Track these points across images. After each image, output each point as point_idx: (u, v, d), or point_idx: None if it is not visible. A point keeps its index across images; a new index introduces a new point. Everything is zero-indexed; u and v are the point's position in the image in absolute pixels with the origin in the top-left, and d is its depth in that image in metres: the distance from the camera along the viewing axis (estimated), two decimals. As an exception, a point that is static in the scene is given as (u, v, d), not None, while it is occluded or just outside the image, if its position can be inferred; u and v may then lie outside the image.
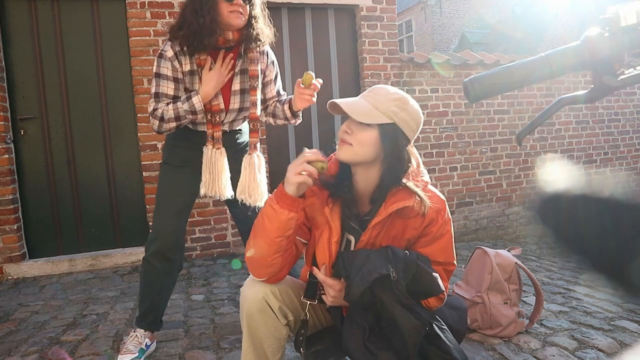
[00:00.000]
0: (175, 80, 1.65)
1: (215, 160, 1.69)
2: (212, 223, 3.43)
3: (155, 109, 1.63)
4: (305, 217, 1.19)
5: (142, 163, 3.26)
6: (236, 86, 1.72)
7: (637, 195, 0.48)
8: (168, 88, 1.64)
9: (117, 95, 3.29)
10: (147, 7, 3.22)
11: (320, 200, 1.16)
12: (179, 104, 1.62)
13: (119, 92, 3.29)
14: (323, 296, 1.16)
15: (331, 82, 3.84)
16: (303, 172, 1.05)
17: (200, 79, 1.64)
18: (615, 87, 0.68)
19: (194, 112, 1.62)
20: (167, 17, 3.25)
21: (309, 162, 1.07)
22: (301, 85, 1.61)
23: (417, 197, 1.10)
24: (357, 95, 1.16)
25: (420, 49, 18.35)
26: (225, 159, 1.71)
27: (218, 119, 1.68)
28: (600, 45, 0.67)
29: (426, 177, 1.18)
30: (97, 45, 3.25)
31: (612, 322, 2.07)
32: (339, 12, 3.84)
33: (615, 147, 4.88)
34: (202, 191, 1.70)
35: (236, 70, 1.71)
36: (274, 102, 1.87)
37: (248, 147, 1.78)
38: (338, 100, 1.10)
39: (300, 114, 1.83)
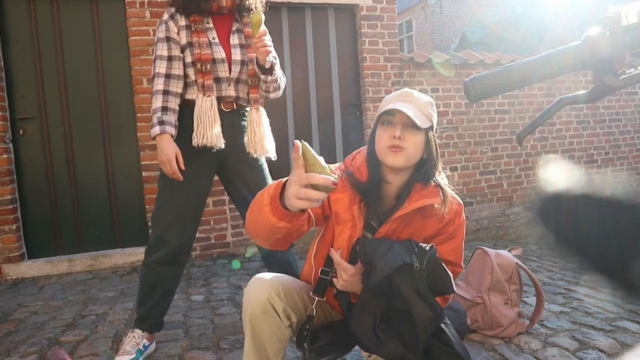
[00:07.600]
0: (168, 39, 1.72)
1: (206, 108, 1.69)
2: (212, 223, 3.42)
3: (155, 76, 1.70)
4: (327, 205, 1.18)
5: (142, 163, 3.26)
6: (235, 41, 1.78)
7: (638, 195, 0.47)
8: (162, 50, 1.71)
9: (117, 95, 3.29)
10: (146, 6, 3.22)
11: (350, 198, 1.16)
12: (159, 112, 1.67)
13: (118, 92, 3.29)
14: (334, 279, 1.16)
15: (331, 82, 3.84)
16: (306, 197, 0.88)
17: (193, 32, 1.70)
18: (616, 86, 0.68)
19: (151, 126, 1.68)
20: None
21: (314, 185, 0.86)
22: (249, 25, 1.69)
23: (442, 196, 1.15)
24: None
25: (420, 48, 18.34)
26: (216, 106, 1.71)
27: (208, 68, 1.70)
28: (601, 44, 0.67)
29: (445, 180, 1.21)
30: (96, 45, 3.24)
31: (613, 323, 2.07)
32: (339, 12, 3.84)
33: (616, 147, 4.87)
34: (194, 141, 1.68)
35: (233, 29, 1.79)
36: None
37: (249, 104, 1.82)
38: (401, 108, 1.08)
39: (273, 67, 1.77)
